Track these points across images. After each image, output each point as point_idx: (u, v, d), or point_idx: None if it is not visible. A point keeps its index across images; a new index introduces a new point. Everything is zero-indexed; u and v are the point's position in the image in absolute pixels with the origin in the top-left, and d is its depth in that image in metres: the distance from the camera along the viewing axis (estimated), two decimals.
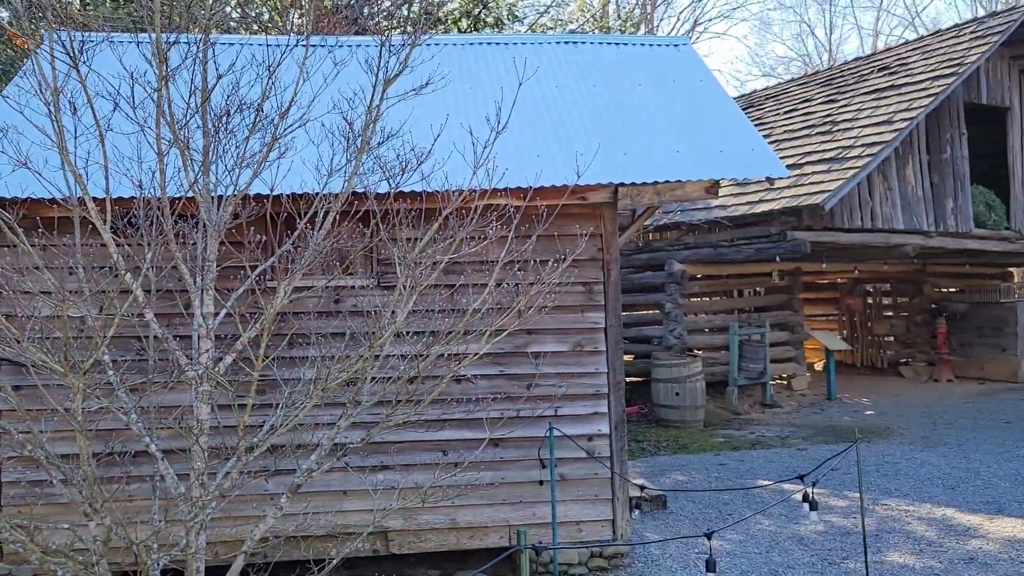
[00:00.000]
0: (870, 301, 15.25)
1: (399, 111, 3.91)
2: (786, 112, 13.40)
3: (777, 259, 10.62)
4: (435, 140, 3.53)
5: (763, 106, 14.46)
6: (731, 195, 11.44)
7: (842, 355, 15.78)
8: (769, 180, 5.71)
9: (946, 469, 7.88)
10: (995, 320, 13.60)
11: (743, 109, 15.04)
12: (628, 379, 13.43)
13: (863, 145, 10.60)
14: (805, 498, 4.60)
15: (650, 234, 12.62)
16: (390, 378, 3.27)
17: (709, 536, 3.85)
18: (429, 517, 5.43)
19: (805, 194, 10.23)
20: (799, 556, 5.64)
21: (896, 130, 10.51)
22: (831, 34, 48.99)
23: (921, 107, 10.68)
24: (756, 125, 13.76)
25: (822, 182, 10.28)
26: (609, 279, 5.84)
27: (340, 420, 3.23)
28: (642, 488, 6.97)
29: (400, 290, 3.23)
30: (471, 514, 5.49)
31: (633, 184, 5.48)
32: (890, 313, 15.32)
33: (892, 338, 15.06)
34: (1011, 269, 16.12)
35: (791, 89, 14.32)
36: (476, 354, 3.47)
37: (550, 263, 3.84)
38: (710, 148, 5.89)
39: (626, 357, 13.91)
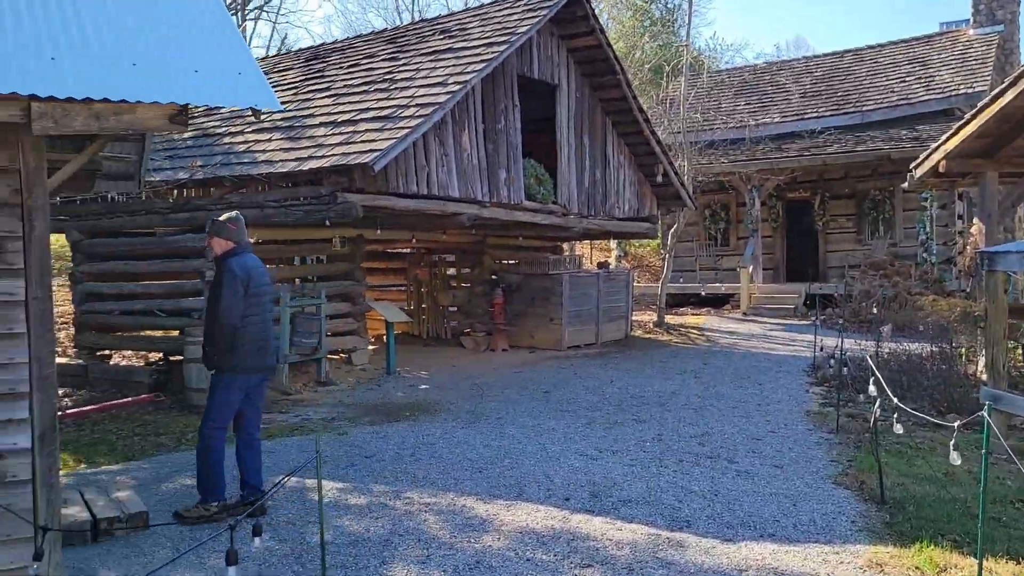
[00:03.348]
0: (436, 272, 15.13)
1: None
2: (350, 66, 12.48)
3: (327, 223, 9.62)
4: None
5: (328, 59, 13.40)
6: (280, 149, 10.17)
7: (409, 326, 15.53)
8: (255, 113, 4.47)
9: (480, 448, 7.52)
10: (544, 291, 14.23)
11: (308, 60, 13.86)
12: (171, 358, 11.57)
13: (417, 105, 10.02)
14: (257, 530, 3.49)
15: (191, 190, 10.84)
16: None
17: None
18: None
19: (357, 152, 9.33)
20: None
21: (450, 92, 10.09)
22: (422, 12, 50.06)
23: (475, 71, 10.40)
24: (318, 77, 12.67)
25: (374, 140, 9.47)
26: (33, 233, 4.18)
27: None
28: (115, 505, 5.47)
29: None
30: None
31: (53, 99, 3.89)
32: (455, 284, 15.38)
33: (456, 308, 15.12)
34: (561, 244, 17.23)
35: (357, 44, 13.46)
36: None
37: None
38: (183, 66, 4.48)
39: (172, 333, 11.98)
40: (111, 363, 12.19)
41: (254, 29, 44.70)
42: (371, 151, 9.19)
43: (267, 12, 38.02)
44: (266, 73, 14.29)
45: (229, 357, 5.59)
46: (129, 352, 12.66)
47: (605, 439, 7.81)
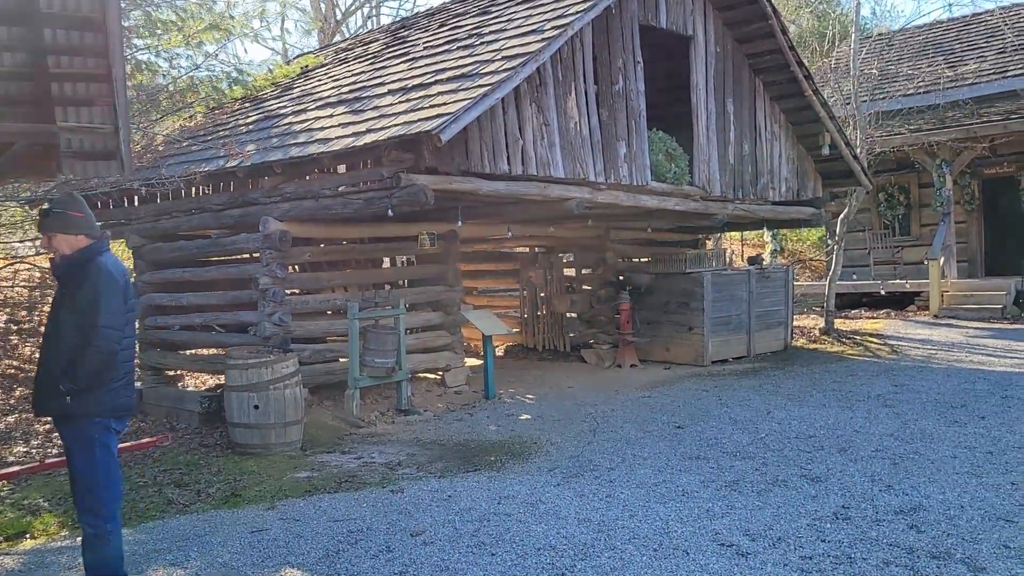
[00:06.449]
0: (552, 273, 12.86)
1: None
2: (437, 28, 10.45)
3: (390, 212, 7.56)
4: None
5: (418, 25, 11.45)
6: (339, 125, 8.22)
7: (522, 338, 13.36)
8: None
9: (573, 524, 5.19)
10: (681, 294, 11.66)
11: (396, 31, 12.01)
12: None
13: (504, 58, 7.81)
14: None
15: (251, 182, 9.09)
16: None
17: None
18: None
19: (421, 119, 7.22)
20: None
21: (545, 39, 7.81)
22: None
23: (578, 11, 8.08)
24: (399, 44, 10.74)
25: (445, 104, 7.34)
26: None
27: None
28: None
29: None
30: None
31: None
32: (574, 287, 13.04)
33: (575, 316, 12.79)
34: (703, 237, 14.54)
35: (452, 7, 11.43)
36: None
37: None
38: None
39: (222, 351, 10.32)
40: (180, 386, 10.76)
41: None
42: (438, 116, 7.06)
43: None
44: (349, 49, 12.57)
45: (102, 396, 4.03)
46: (207, 375, 11.18)
47: (760, 512, 5.27)
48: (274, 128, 9.19)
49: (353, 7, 27.30)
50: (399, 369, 9.00)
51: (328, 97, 9.41)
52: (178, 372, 10.87)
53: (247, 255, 9.63)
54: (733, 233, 20.50)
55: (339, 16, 26.97)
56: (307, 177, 8.52)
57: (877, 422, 7.71)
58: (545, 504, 5.65)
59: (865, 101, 15.17)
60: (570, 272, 13.31)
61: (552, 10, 8.54)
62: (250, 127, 9.78)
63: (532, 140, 8.32)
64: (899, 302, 16.65)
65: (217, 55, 10.87)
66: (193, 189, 9.60)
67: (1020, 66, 17.00)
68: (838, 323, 14.46)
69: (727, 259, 13.22)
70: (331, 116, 8.62)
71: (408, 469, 6.90)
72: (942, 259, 15.62)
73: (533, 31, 8.16)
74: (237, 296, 9.11)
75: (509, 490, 6.06)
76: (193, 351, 10.96)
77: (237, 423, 7.68)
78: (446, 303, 10.33)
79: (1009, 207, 17.46)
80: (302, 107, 9.50)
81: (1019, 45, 17.70)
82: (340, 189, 8.02)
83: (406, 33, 11.15)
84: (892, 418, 7.86)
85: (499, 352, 13.57)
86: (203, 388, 10.55)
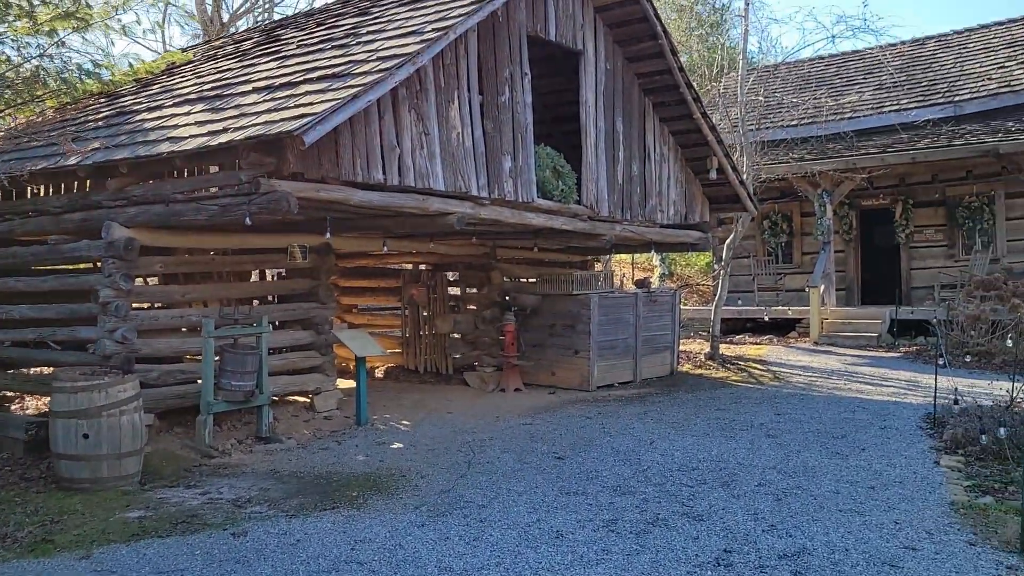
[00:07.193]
0: (435, 292, 12.27)
1: None
2: (314, 27, 9.77)
3: (248, 220, 6.83)
4: None
5: (295, 24, 10.73)
6: (195, 123, 7.43)
7: (403, 359, 12.70)
8: None
9: (433, 575, 4.62)
10: (567, 316, 11.28)
11: (273, 30, 11.25)
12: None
13: (380, 59, 7.24)
14: None
15: (87, 181, 8.15)
16: None
17: None
18: None
19: (284, 119, 6.54)
20: None
21: (425, 41, 7.28)
22: None
23: (461, 15, 7.59)
24: (272, 42, 10.01)
25: (311, 104, 6.69)
26: None
27: None
28: None
29: None
30: None
31: None
32: (459, 307, 12.49)
33: (459, 337, 12.24)
34: (592, 258, 14.30)
35: (332, 7, 10.77)
36: None
37: None
38: None
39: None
40: (15, 409, 9.59)
41: None
42: (303, 116, 6.41)
43: None
44: (221, 46, 11.75)
45: None
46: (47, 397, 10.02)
47: (638, 558, 4.83)
48: (125, 125, 8.30)
49: (241, 10, 26.06)
50: (260, 393, 8.22)
51: (188, 94, 8.59)
52: (16, 394, 9.72)
53: (90, 264, 8.66)
54: (623, 256, 20.51)
55: (226, 19, 25.68)
56: (159, 179, 7.68)
57: (760, 453, 7.46)
58: (405, 549, 5.05)
59: (752, 129, 15.33)
60: (455, 291, 12.76)
61: (435, 12, 8.03)
62: (100, 123, 8.84)
63: (411, 149, 7.75)
64: (782, 328, 16.87)
65: (64, 43, 9.81)
66: (41, 188, 8.61)
67: (895, 102, 17.64)
68: (723, 348, 14.45)
69: (617, 282, 12.98)
70: (188, 114, 7.82)
71: (258, 507, 6.17)
72: (822, 287, 15.91)
73: (413, 32, 7.62)
74: (75, 310, 8.13)
75: (366, 532, 5.43)
76: (37, 369, 9.86)
77: (63, 454, 6.74)
78: (317, 321, 9.60)
79: (884, 238, 18.05)
80: (158, 103, 8.63)
81: (895, 82, 18.40)
82: (193, 193, 7.22)
83: (281, 32, 10.42)
84: (775, 449, 7.64)
85: (379, 374, 12.88)
86: (42, 412, 9.43)
